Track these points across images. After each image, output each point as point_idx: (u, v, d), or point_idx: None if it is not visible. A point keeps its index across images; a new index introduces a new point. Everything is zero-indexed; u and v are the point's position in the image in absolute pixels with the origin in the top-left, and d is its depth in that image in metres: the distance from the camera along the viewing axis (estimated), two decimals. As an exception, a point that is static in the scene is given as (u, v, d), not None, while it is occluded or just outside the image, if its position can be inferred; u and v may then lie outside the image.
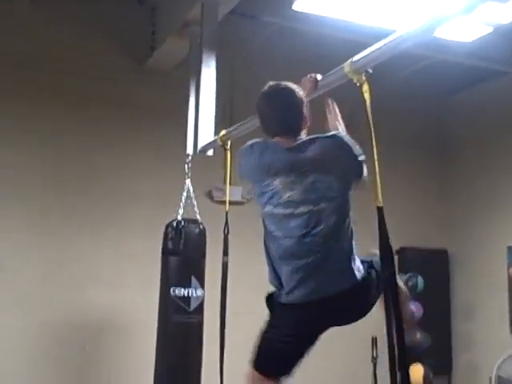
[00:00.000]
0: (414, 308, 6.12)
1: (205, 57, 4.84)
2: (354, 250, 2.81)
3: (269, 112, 2.91)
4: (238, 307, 4.39)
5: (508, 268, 6.68)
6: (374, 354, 5.72)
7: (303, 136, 2.90)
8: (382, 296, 2.68)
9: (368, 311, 2.90)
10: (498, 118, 6.99)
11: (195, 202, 4.77)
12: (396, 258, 6.33)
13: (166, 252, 4.63)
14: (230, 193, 4.14)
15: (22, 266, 5.53)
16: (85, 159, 5.88)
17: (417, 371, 6.15)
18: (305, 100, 2.91)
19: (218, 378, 3.73)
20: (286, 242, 2.79)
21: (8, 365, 5.38)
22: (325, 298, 2.74)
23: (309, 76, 3.15)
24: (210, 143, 4.65)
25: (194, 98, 4.90)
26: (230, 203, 4.08)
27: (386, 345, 2.45)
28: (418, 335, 5.57)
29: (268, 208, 2.86)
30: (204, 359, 4.55)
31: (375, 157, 2.54)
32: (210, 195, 6.13)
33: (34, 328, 5.49)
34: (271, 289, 2.96)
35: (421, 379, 6.09)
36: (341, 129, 3.04)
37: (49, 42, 5.82)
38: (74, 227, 5.75)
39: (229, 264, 3.88)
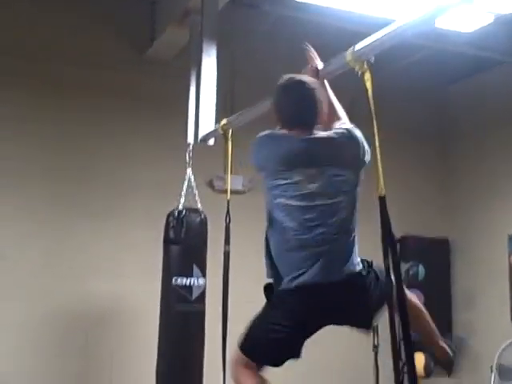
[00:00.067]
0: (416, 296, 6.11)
1: (205, 46, 4.84)
2: (356, 245, 2.87)
3: (287, 104, 2.93)
4: (240, 296, 4.39)
5: (509, 256, 6.69)
6: (375, 343, 5.71)
7: (319, 129, 2.92)
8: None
9: (367, 318, 2.92)
10: (498, 108, 6.98)
11: (196, 192, 4.77)
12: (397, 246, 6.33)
13: (167, 241, 4.63)
14: (231, 182, 4.15)
15: (22, 255, 5.53)
16: (85, 149, 5.87)
17: (418, 360, 6.15)
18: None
19: (221, 366, 3.74)
20: (297, 233, 2.81)
21: (9, 354, 5.39)
22: (327, 285, 2.77)
23: (310, 65, 3.15)
24: (210, 132, 4.65)
25: (195, 87, 4.89)
26: (231, 192, 4.08)
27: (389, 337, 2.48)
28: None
29: (280, 200, 2.85)
30: (206, 348, 4.55)
31: (377, 145, 2.55)
32: (211, 184, 6.13)
33: (34, 318, 5.50)
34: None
35: (422, 368, 6.10)
36: (345, 118, 3.06)
37: (49, 32, 5.82)
38: (74, 217, 5.75)
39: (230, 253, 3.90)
